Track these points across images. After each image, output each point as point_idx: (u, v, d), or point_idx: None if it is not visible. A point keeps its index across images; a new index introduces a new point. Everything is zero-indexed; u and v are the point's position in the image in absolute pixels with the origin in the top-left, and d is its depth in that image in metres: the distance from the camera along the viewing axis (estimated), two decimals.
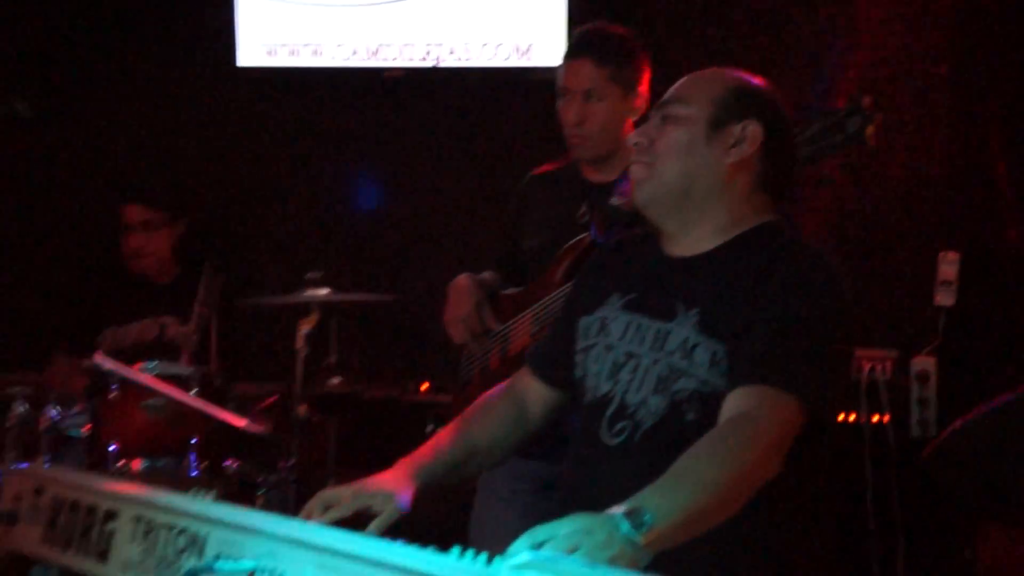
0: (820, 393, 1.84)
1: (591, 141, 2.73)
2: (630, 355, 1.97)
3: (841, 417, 3.92)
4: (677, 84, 2.05)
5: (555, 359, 2.14)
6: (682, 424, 1.89)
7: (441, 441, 2.07)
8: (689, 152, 1.97)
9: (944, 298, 3.96)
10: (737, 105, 1.97)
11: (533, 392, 2.17)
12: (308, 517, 1.86)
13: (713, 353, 1.89)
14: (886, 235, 4.12)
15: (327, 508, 1.87)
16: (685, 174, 1.97)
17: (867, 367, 3.92)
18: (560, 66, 2.78)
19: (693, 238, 2.00)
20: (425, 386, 4.10)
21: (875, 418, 3.91)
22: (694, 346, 1.91)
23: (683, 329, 1.93)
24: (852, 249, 4.13)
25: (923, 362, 3.93)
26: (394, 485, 1.92)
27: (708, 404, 1.88)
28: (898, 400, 3.92)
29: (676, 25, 4.29)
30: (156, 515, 1.70)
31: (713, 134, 1.96)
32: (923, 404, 3.91)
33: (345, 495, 1.89)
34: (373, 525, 1.86)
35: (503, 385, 2.21)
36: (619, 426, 1.94)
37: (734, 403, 1.82)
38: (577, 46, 2.75)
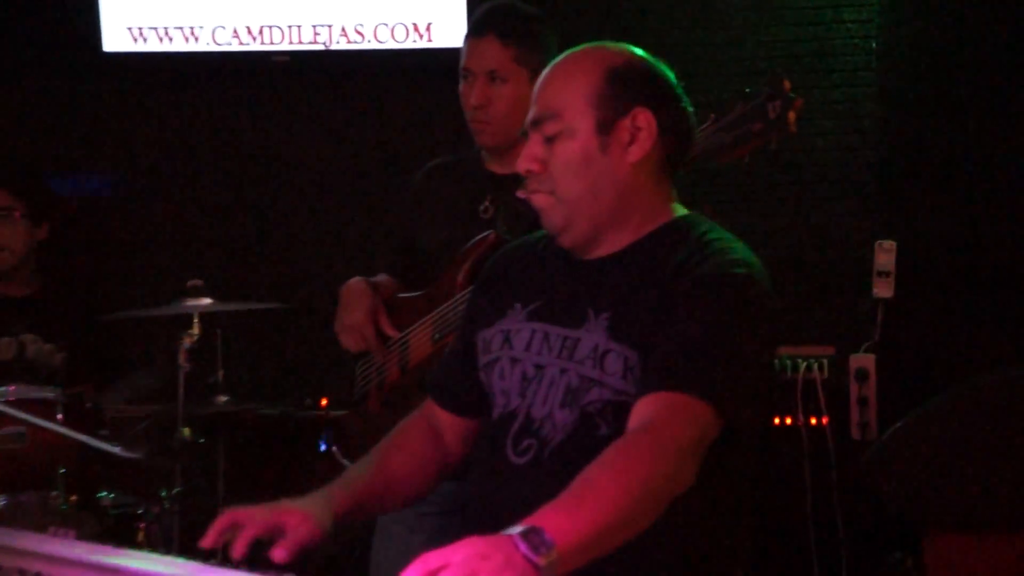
0: (734, 398, 1.85)
1: (494, 127, 2.73)
2: (538, 367, 1.98)
3: (777, 420, 3.99)
4: (541, 93, 2.02)
5: (457, 385, 2.15)
6: (594, 439, 1.89)
7: (356, 473, 2.06)
8: (587, 167, 1.97)
9: (882, 290, 4.02)
10: (616, 97, 1.97)
11: (444, 422, 2.17)
12: (217, 537, 1.84)
13: (625, 359, 1.90)
14: (818, 223, 4.18)
15: (236, 527, 1.84)
16: (590, 191, 1.98)
17: (802, 366, 4.00)
18: (462, 46, 2.78)
19: (605, 243, 2.01)
20: (324, 402, 4.08)
21: (813, 420, 3.98)
22: (605, 353, 1.92)
23: (593, 335, 1.94)
24: (781, 239, 4.18)
25: (862, 359, 4.00)
26: (311, 509, 1.90)
27: (622, 416, 1.88)
28: (836, 401, 3.99)
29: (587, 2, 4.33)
30: (8, 560, 1.65)
31: (605, 139, 1.97)
32: (863, 404, 3.98)
33: (258, 513, 1.86)
34: (285, 542, 1.82)
35: (417, 414, 2.20)
36: (525, 443, 1.95)
37: (640, 412, 1.83)
38: (481, 23, 2.76)
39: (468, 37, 2.78)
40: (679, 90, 2.03)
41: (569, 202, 1.98)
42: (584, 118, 1.97)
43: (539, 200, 2.02)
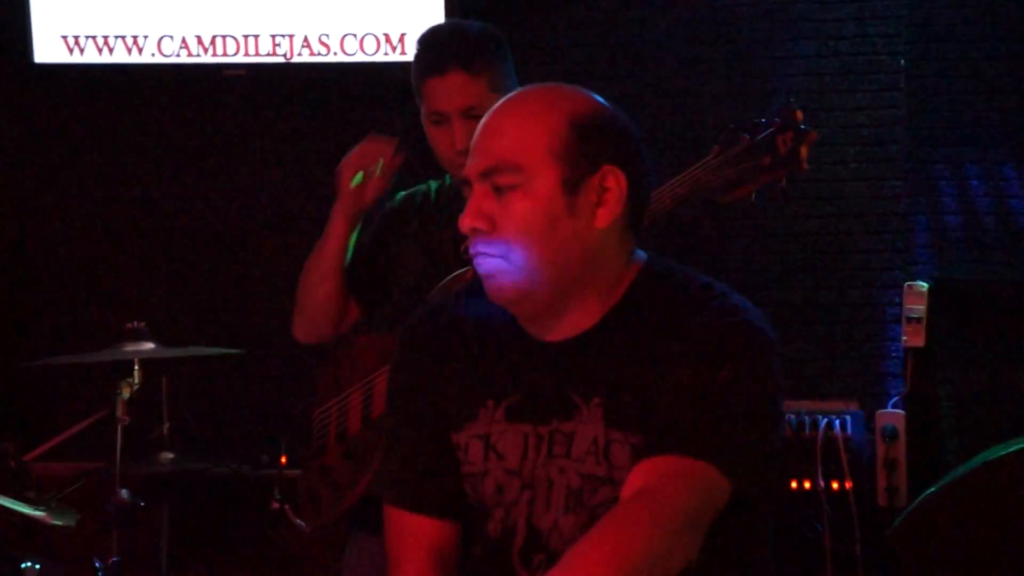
0: (742, 457, 1.83)
1: None
2: (533, 472, 1.94)
3: (794, 484, 3.98)
4: (492, 139, 1.94)
5: (435, 482, 2.05)
6: None
7: None
8: (551, 230, 1.90)
9: (912, 337, 4.02)
10: (586, 152, 1.91)
11: (433, 531, 2.06)
12: None
13: (632, 448, 1.87)
14: (840, 262, 4.19)
15: None
16: (552, 258, 1.91)
17: (823, 423, 3.99)
18: (421, 86, 2.76)
19: (569, 316, 1.96)
20: (284, 460, 4.07)
21: (834, 485, 3.97)
22: (608, 444, 1.88)
23: (589, 427, 1.90)
24: (799, 280, 4.20)
25: (889, 416, 4.01)
26: None
27: None
28: (861, 463, 3.98)
29: (578, 4, 4.33)
30: None
31: (572, 199, 1.91)
32: (891, 467, 3.98)
33: None
34: None
35: (399, 550, 2.07)
36: (536, 560, 1.91)
37: (636, 477, 1.81)
38: (438, 59, 2.73)
39: (426, 77, 2.75)
40: (640, 143, 1.99)
41: (527, 270, 1.91)
42: (547, 174, 1.91)
43: (487, 265, 1.93)
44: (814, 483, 3.96)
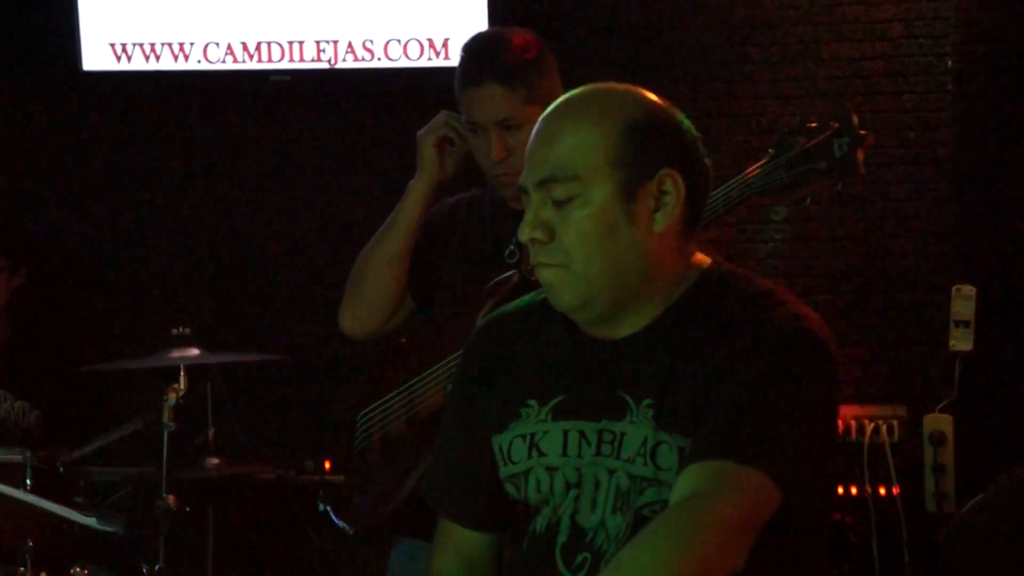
0: (792, 464, 1.82)
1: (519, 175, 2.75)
2: (579, 470, 1.94)
3: (841, 490, 3.96)
4: (546, 148, 1.94)
5: (480, 498, 2.09)
6: None
7: None
8: (610, 239, 1.91)
9: (960, 342, 3.99)
10: (643, 157, 1.91)
11: (474, 544, 2.11)
12: None
13: (680, 451, 1.86)
14: (886, 266, 4.16)
15: None
16: (613, 266, 1.92)
17: (870, 428, 3.98)
18: (460, 95, 2.78)
19: (627, 319, 1.96)
20: (328, 465, 4.09)
21: (882, 490, 3.95)
22: (656, 446, 1.88)
23: (639, 428, 1.90)
24: (845, 284, 4.17)
25: (937, 420, 3.98)
26: None
27: None
28: (909, 468, 3.97)
29: (618, 8, 4.32)
30: None
31: (630, 206, 1.91)
32: (939, 472, 3.96)
33: None
34: None
35: (440, 554, 2.13)
36: (579, 558, 1.91)
37: (685, 482, 1.80)
38: (476, 71, 2.75)
39: (466, 86, 2.77)
40: (698, 143, 1.99)
41: (588, 278, 1.92)
42: (604, 182, 1.91)
43: (548, 275, 1.94)
44: (861, 488, 3.95)
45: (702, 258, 2.01)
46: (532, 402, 2.00)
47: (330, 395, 3.04)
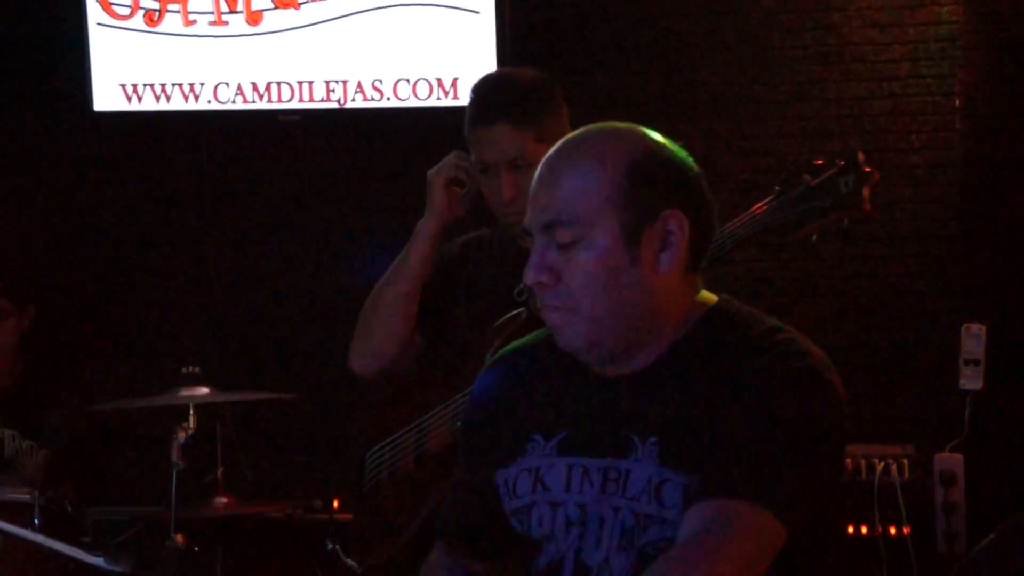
0: (799, 504, 1.83)
1: None
2: (583, 507, 1.94)
3: (851, 529, 3.94)
4: (549, 192, 1.94)
5: (478, 528, 2.09)
6: None
7: None
8: (614, 282, 1.91)
9: (970, 380, 3.99)
10: (643, 198, 1.91)
11: (476, 570, 2.12)
12: None
13: (685, 489, 1.86)
14: (895, 304, 4.17)
15: None
16: (619, 308, 1.92)
17: (879, 467, 3.96)
18: (470, 135, 2.80)
19: (634, 357, 1.96)
20: (337, 503, 4.10)
21: (892, 530, 3.93)
22: (660, 484, 1.88)
23: (644, 465, 1.89)
24: (853, 322, 4.18)
25: (948, 460, 3.96)
26: None
27: None
28: (919, 507, 3.95)
29: (626, 48, 4.37)
30: None
31: (633, 249, 1.91)
32: (950, 511, 3.94)
33: None
34: None
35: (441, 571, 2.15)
36: None
37: (692, 521, 1.80)
38: (488, 110, 2.76)
39: (475, 126, 2.79)
40: (701, 179, 1.98)
41: (594, 320, 1.92)
42: (607, 225, 1.91)
43: (555, 318, 1.95)
44: (871, 528, 3.93)
45: (708, 296, 2.01)
46: (538, 437, 2.00)
47: (340, 434, 3.04)
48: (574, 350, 1.97)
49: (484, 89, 2.83)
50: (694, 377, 1.92)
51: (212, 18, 4.43)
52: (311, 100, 4.41)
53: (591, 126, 2.02)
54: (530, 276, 1.95)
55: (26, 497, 3.40)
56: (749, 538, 1.79)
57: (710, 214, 1.98)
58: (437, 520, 2.18)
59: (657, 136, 1.98)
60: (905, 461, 3.97)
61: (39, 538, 3.24)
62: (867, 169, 2.55)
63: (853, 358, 4.15)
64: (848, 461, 3.93)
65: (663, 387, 1.93)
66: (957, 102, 4.16)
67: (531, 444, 2.00)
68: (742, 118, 4.30)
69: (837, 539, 2.03)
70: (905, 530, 3.93)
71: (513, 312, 2.72)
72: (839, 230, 2.65)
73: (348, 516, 3.30)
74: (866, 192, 2.54)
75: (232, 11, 4.42)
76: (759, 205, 2.62)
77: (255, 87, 4.43)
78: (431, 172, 2.94)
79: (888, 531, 3.93)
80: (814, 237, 2.62)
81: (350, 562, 2.98)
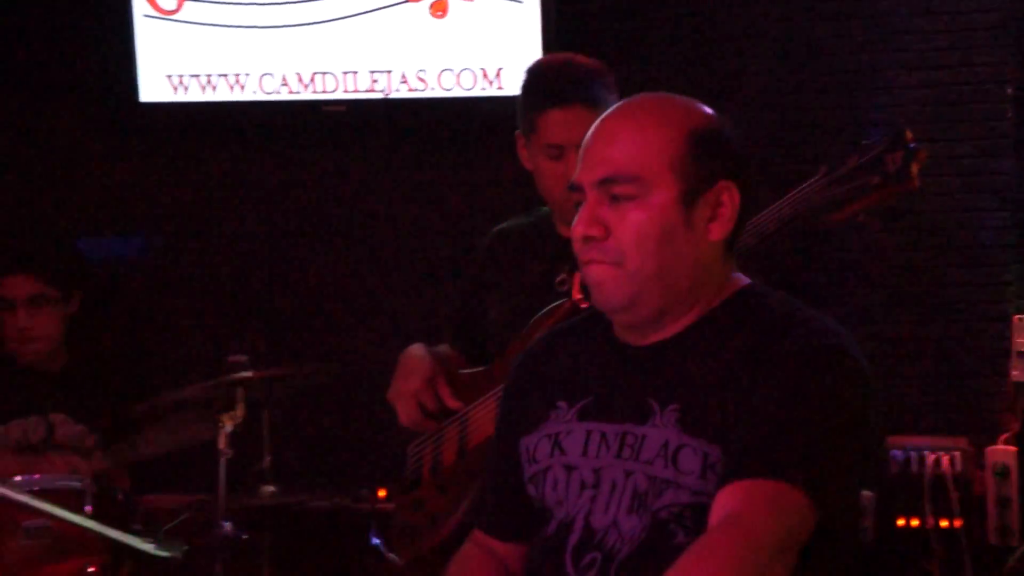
0: (829, 483, 1.86)
1: None
2: (597, 471, 1.98)
3: (902, 522, 3.97)
4: (609, 148, 1.99)
5: (509, 510, 2.14)
6: (669, 549, 1.89)
7: None
8: (667, 241, 1.96)
9: (1022, 372, 4.00)
10: (704, 167, 1.97)
11: (503, 553, 2.17)
12: None
13: (704, 456, 1.90)
14: (945, 295, 4.18)
15: None
16: (665, 268, 1.97)
17: (930, 460, 3.99)
18: (537, 116, 2.82)
19: (666, 325, 2.01)
20: (382, 493, 4.15)
21: (943, 523, 3.95)
22: (678, 449, 1.92)
23: (661, 431, 1.94)
24: (903, 313, 4.20)
25: (1001, 452, 3.97)
26: None
27: (702, 521, 1.88)
28: (971, 500, 3.97)
29: (673, 39, 4.41)
30: None
31: (689, 214, 1.97)
32: (1003, 504, 3.95)
33: None
34: None
35: (472, 548, 2.20)
36: (587, 558, 1.95)
37: (721, 505, 1.85)
38: (561, 91, 2.80)
39: (544, 108, 2.81)
40: (751, 159, 2.05)
41: (639, 279, 1.97)
42: (666, 186, 1.97)
43: (599, 272, 1.99)
44: (923, 521, 3.95)
45: (742, 277, 2.07)
46: (562, 403, 2.06)
47: (385, 422, 3.11)
48: (611, 308, 2.02)
49: (552, 71, 2.87)
50: (719, 349, 1.97)
51: (258, 8, 4.50)
52: (356, 90, 4.46)
53: (652, 92, 2.08)
54: (579, 228, 1.99)
55: (77, 483, 3.47)
56: (783, 518, 1.83)
57: (753, 198, 2.05)
58: (475, 510, 2.26)
59: (715, 112, 2.05)
60: (957, 454, 3.98)
61: (91, 523, 3.29)
62: (915, 145, 2.56)
63: (904, 350, 4.16)
64: (899, 453, 3.99)
65: (687, 356, 1.98)
66: (1009, 90, 4.15)
67: (554, 411, 2.06)
68: (786, 108, 4.30)
69: (857, 523, 2.07)
70: (957, 523, 3.94)
71: (555, 304, 2.76)
72: (888, 208, 2.64)
73: (392, 506, 3.38)
74: (914, 169, 2.54)
75: (277, 1, 4.49)
76: (805, 184, 2.66)
77: (300, 77, 4.49)
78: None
79: (939, 524, 3.94)
80: (860, 216, 2.62)
81: (391, 556, 3.05)
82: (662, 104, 2.05)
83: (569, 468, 2.02)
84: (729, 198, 2.00)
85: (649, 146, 1.98)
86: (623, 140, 2.00)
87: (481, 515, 2.22)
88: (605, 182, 1.99)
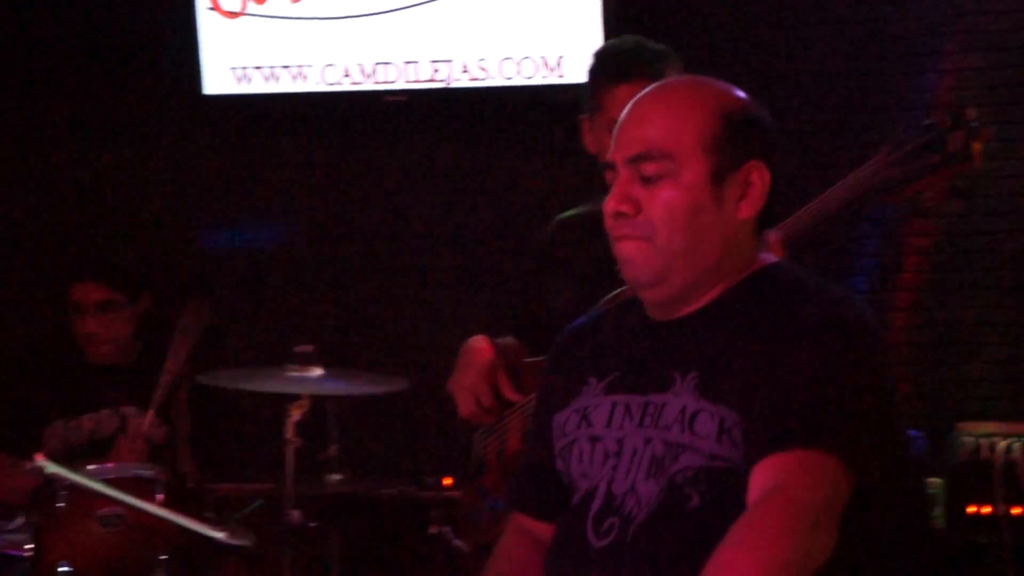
0: (862, 448, 1.89)
1: None
2: (620, 441, 2.02)
3: (973, 509, 3.96)
4: (642, 126, 2.04)
5: (545, 490, 2.17)
6: (684, 512, 1.93)
7: None
8: (696, 219, 2.01)
9: None
10: (735, 147, 2.02)
11: (541, 532, 2.19)
12: None
13: (721, 420, 1.93)
14: (1012, 279, 4.18)
15: None
16: (695, 245, 2.02)
17: (1001, 446, 3.96)
18: (603, 92, 2.84)
19: (693, 300, 2.06)
20: (448, 481, 4.19)
21: (1015, 510, 3.93)
22: (695, 414, 1.96)
23: (680, 398, 1.98)
24: (970, 297, 4.19)
25: None
26: None
27: (718, 484, 1.92)
28: None
29: (735, 25, 4.43)
30: None
31: (719, 192, 2.02)
32: None
33: None
34: None
35: (512, 531, 2.23)
36: (607, 523, 1.98)
37: (760, 478, 1.87)
38: (628, 67, 2.82)
39: (611, 83, 2.83)
40: (780, 140, 2.08)
41: (668, 254, 2.02)
42: (697, 164, 2.01)
43: (629, 248, 2.04)
44: (993, 508, 3.91)
45: (769, 255, 2.12)
46: (592, 379, 2.11)
47: (450, 413, 3.15)
48: (640, 283, 2.07)
49: (621, 49, 2.91)
50: (741, 320, 2.01)
51: (320, 0, 4.54)
52: (417, 80, 4.49)
53: (685, 75, 2.16)
54: (611, 204, 2.05)
55: (150, 472, 3.52)
56: (823, 486, 1.86)
57: (781, 179, 2.09)
58: (511, 491, 2.28)
59: (756, 104, 2.09)
60: None
61: (164, 512, 3.34)
62: (977, 125, 2.55)
63: (976, 335, 4.16)
64: (969, 439, 3.99)
65: (710, 328, 2.03)
66: None
67: (585, 387, 2.11)
68: (852, 91, 4.29)
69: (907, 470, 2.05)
70: None
71: (613, 292, 2.74)
72: (951, 187, 2.66)
73: (458, 494, 3.42)
74: (976, 148, 2.53)
75: None
76: (865, 165, 2.65)
77: (361, 68, 4.52)
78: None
79: (1010, 511, 3.90)
80: (923, 194, 2.62)
81: (458, 542, 3.11)
82: (695, 85, 2.10)
83: (594, 440, 2.07)
84: (759, 177, 2.04)
85: (682, 125, 2.03)
86: (656, 119, 2.05)
87: (521, 499, 2.25)
88: (637, 160, 2.04)
